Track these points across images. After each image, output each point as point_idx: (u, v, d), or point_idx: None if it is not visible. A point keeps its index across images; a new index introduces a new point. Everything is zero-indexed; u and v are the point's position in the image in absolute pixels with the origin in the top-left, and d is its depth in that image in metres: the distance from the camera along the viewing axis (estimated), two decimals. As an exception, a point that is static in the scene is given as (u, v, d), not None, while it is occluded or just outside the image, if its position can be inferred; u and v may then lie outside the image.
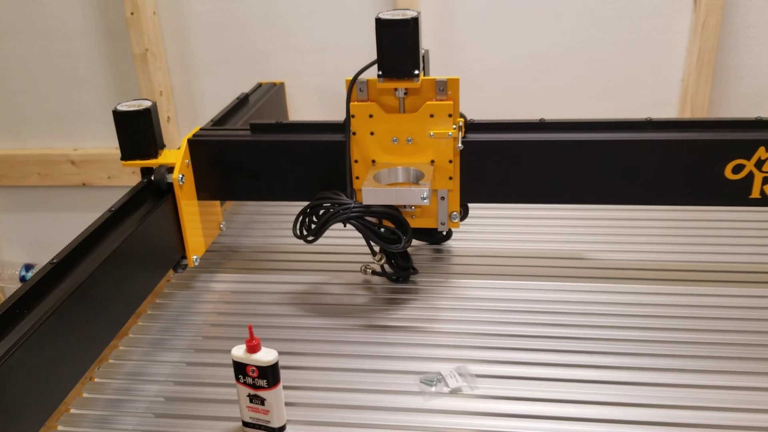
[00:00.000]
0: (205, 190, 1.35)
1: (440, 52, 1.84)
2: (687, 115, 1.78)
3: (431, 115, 1.20)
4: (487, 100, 1.86)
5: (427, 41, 1.83)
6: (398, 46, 1.14)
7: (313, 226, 1.24)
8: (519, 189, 1.27)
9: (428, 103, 1.20)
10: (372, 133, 1.23)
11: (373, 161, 1.25)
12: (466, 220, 1.36)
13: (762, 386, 1.02)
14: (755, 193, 1.19)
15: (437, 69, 1.85)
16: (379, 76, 1.18)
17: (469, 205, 1.33)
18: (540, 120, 1.25)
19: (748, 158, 1.17)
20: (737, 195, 1.20)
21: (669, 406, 1.00)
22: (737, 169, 1.18)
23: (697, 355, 1.10)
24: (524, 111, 1.84)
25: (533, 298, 1.26)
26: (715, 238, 1.41)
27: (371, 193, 1.16)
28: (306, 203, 1.24)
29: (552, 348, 1.13)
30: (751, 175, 1.18)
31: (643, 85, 1.83)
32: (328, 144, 1.27)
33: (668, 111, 1.84)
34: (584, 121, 1.24)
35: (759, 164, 1.17)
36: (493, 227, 1.50)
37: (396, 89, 1.20)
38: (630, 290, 1.26)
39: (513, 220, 1.52)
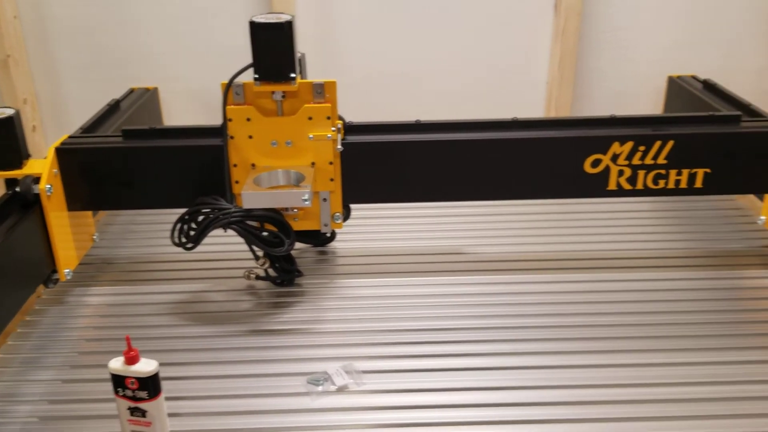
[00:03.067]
0: (76, 201, 1.29)
1: (321, 57, 1.86)
2: (552, 115, 1.89)
3: (310, 118, 1.21)
4: (368, 104, 1.90)
5: (307, 46, 1.83)
6: (273, 49, 1.15)
7: (192, 232, 1.22)
8: (399, 188, 1.31)
9: (306, 105, 1.21)
10: (250, 137, 1.23)
11: (253, 165, 1.25)
12: (349, 221, 1.38)
13: (642, 362, 1.11)
14: (612, 185, 1.29)
15: (319, 74, 1.85)
16: (255, 79, 1.18)
17: (352, 205, 1.36)
18: (416, 121, 1.30)
19: (604, 153, 1.26)
20: (596, 187, 1.29)
21: (550, 387, 1.06)
22: (595, 164, 1.27)
23: (571, 338, 1.17)
24: (404, 114, 1.88)
25: (415, 293, 1.30)
26: (587, 228, 1.51)
27: (251, 197, 1.16)
28: (182, 211, 1.22)
29: (433, 340, 1.17)
30: (607, 168, 1.28)
31: (511, 87, 1.92)
32: (205, 149, 1.25)
33: (535, 112, 1.94)
34: (456, 122, 1.29)
35: (614, 158, 1.26)
36: (375, 227, 1.53)
37: (273, 92, 1.20)
38: (507, 281, 1.33)
39: (394, 219, 1.56)
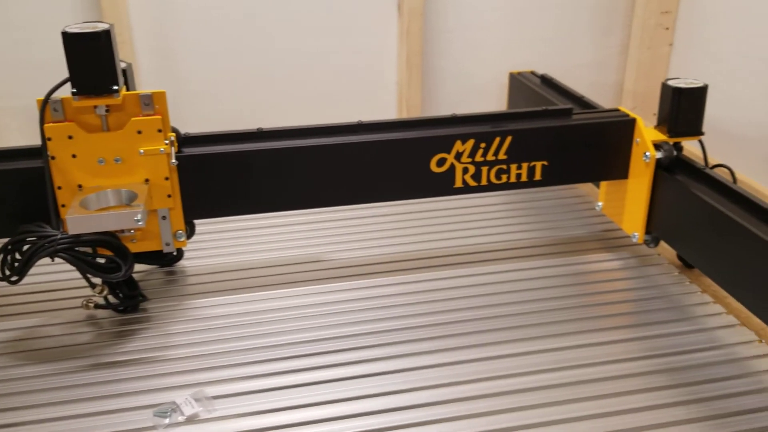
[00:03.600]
0: None
1: (160, 64, 1.76)
2: (404, 116, 1.91)
3: (139, 132, 1.14)
4: (214, 112, 1.83)
5: (144, 55, 1.74)
6: (91, 60, 1.06)
7: (16, 264, 1.11)
8: (244, 200, 1.26)
9: (134, 119, 1.13)
10: (74, 156, 1.13)
11: (80, 186, 1.15)
12: (197, 237, 1.32)
13: (495, 355, 1.12)
14: (458, 183, 1.31)
15: (157, 81, 1.77)
16: (73, 93, 1.09)
17: (198, 220, 1.29)
18: (258, 129, 1.25)
19: (448, 152, 1.28)
20: (443, 186, 1.30)
21: (407, 390, 1.05)
22: (440, 163, 1.28)
23: (424, 338, 1.17)
24: (251, 121, 1.83)
25: (269, 307, 1.25)
26: (430, 227, 1.53)
27: (78, 221, 1.07)
28: (5, 240, 1.11)
29: (288, 355, 1.13)
30: (452, 167, 1.29)
31: (363, 89, 1.91)
32: (24, 172, 1.14)
33: (388, 113, 1.95)
34: (299, 128, 1.26)
35: (458, 156, 1.28)
36: (224, 241, 1.47)
37: (96, 107, 1.11)
38: (360, 286, 1.31)
39: (244, 231, 1.50)
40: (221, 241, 1.46)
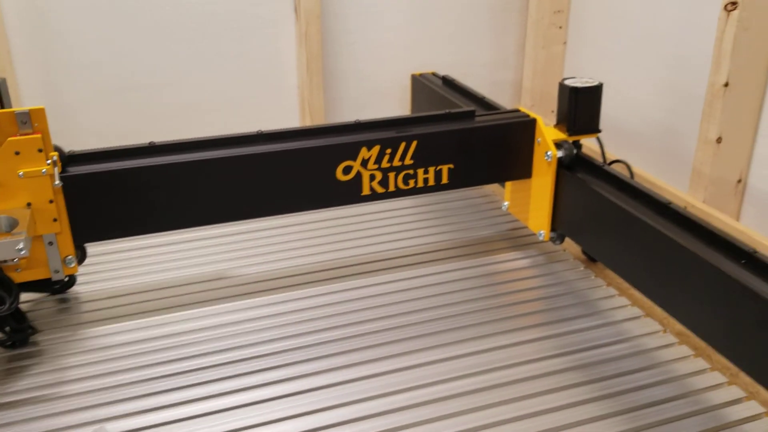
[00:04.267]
0: None
1: (39, 74, 1.64)
2: (307, 120, 1.86)
3: (17, 152, 1.05)
4: (103, 126, 1.72)
5: (22, 66, 1.62)
6: (-45, 76, 0.96)
7: None
8: (140, 220, 1.18)
9: (11, 139, 1.04)
10: (-57, 181, 1.03)
11: (-49, 214, 1.05)
12: (90, 260, 1.23)
13: (411, 364, 1.10)
14: (366, 190, 1.28)
15: (39, 95, 1.65)
16: (-63, 113, 0.98)
17: (91, 243, 1.21)
18: (149, 144, 1.18)
19: (354, 159, 1.25)
20: (351, 194, 1.27)
21: (341, 405, 1.02)
22: (347, 170, 1.25)
23: (362, 347, 1.15)
24: (145, 132, 1.74)
25: (172, 331, 1.19)
26: (344, 234, 1.50)
27: (-51, 254, 0.97)
28: None
29: (195, 382, 1.07)
30: (359, 174, 1.26)
31: (264, 94, 1.86)
32: None
33: (291, 117, 1.90)
34: (196, 141, 1.20)
35: (364, 163, 1.25)
36: (120, 263, 1.38)
37: (-35, 127, 1.01)
38: (271, 301, 1.27)
39: (141, 251, 1.42)
40: (116, 263, 1.38)
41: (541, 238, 1.39)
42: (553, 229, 1.37)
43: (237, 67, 1.80)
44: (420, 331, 1.19)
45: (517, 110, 1.39)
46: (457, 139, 1.30)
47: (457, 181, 1.33)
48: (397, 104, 1.97)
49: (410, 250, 1.44)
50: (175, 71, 1.75)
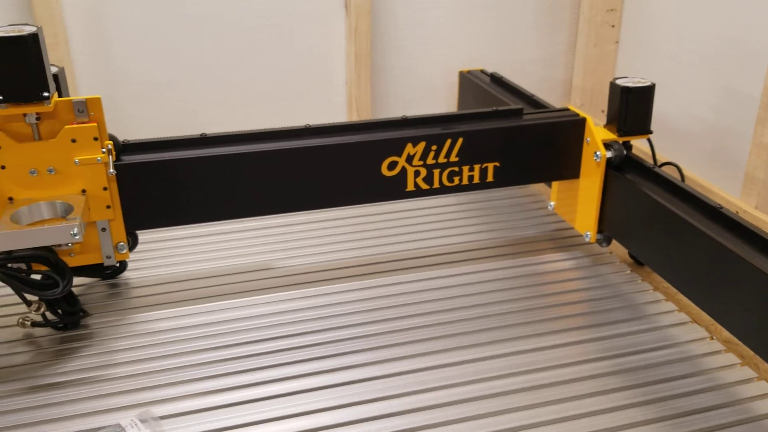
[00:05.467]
0: None
1: (95, 66, 1.69)
2: (354, 116, 1.87)
3: (73, 140, 1.08)
4: (154, 117, 1.76)
5: (80, 58, 1.66)
6: (18, 66, 1.00)
7: (-58, 284, 1.04)
8: (189, 209, 1.21)
9: (68, 127, 1.07)
10: (3, 167, 1.07)
11: (10, 199, 1.09)
12: (141, 247, 1.26)
13: (454, 361, 1.10)
14: (410, 186, 1.28)
15: (94, 85, 1.70)
16: (-1, 101, 1.02)
17: (143, 231, 1.24)
18: (201, 135, 1.20)
19: (399, 155, 1.25)
20: (395, 190, 1.28)
21: (383, 398, 1.03)
22: (392, 166, 1.26)
23: (402, 342, 1.15)
24: (191, 125, 1.77)
25: (218, 319, 1.21)
26: (388, 230, 1.50)
27: (8, 238, 1.00)
28: (-71, 258, 1.04)
29: (240, 369, 1.09)
30: (404, 170, 1.26)
31: (312, 89, 1.87)
32: (-52, 185, 1.07)
33: (338, 113, 1.92)
34: (245, 133, 1.22)
35: (409, 159, 1.26)
36: (170, 251, 1.41)
37: (25, 114, 1.05)
38: (316, 293, 1.28)
39: (190, 240, 1.45)
40: (166, 251, 1.41)
41: (587, 240, 1.37)
42: (599, 230, 1.35)
43: (286, 62, 1.82)
44: (460, 329, 1.18)
45: (567, 109, 1.37)
46: (504, 137, 1.29)
47: (503, 180, 1.32)
48: (444, 101, 1.96)
49: (453, 248, 1.43)
50: (225, 65, 1.78)
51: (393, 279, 1.32)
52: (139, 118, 1.74)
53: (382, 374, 1.08)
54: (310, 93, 1.88)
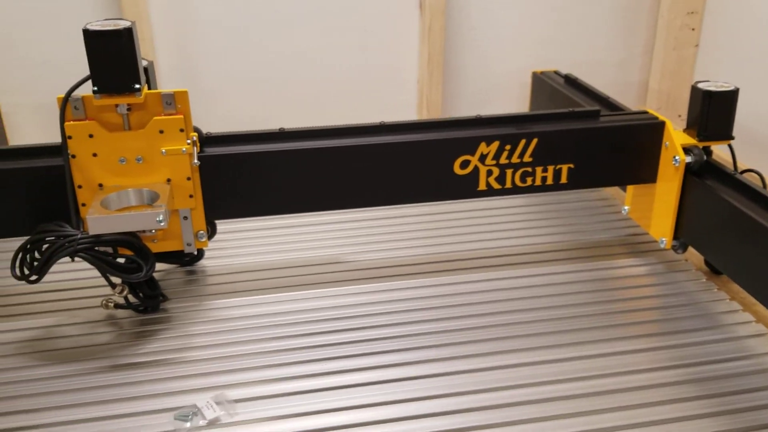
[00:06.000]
0: None
1: (178, 63, 1.75)
2: (424, 114, 1.88)
3: (161, 131, 1.13)
4: (231, 111, 1.81)
5: (162, 53, 1.73)
6: (112, 58, 1.05)
7: (36, 263, 1.10)
8: (266, 201, 1.24)
9: (156, 118, 1.12)
10: (95, 155, 1.12)
11: (101, 185, 1.14)
12: (218, 237, 1.31)
13: (519, 362, 1.10)
14: (482, 186, 1.28)
15: (176, 79, 1.76)
16: (94, 92, 1.07)
17: (220, 220, 1.28)
18: (279, 129, 1.23)
19: (473, 154, 1.25)
20: (467, 188, 1.28)
21: (429, 398, 1.03)
22: (464, 165, 1.26)
23: (451, 343, 1.15)
24: (269, 120, 1.82)
25: (290, 309, 1.24)
26: (458, 228, 1.50)
27: (99, 222, 1.06)
28: (25, 239, 1.10)
29: (310, 358, 1.11)
30: (476, 169, 1.27)
31: (382, 87, 1.89)
32: (44, 170, 1.13)
33: (408, 111, 1.93)
34: (322, 129, 1.24)
35: (482, 158, 1.26)
36: (246, 241, 1.45)
37: (117, 105, 1.10)
38: (382, 288, 1.30)
39: (265, 231, 1.49)
40: (242, 242, 1.45)
41: (662, 246, 1.34)
42: (675, 237, 1.32)
43: (359, 60, 1.85)
44: (528, 330, 1.18)
45: (645, 112, 1.35)
46: (580, 139, 1.28)
47: (577, 182, 1.31)
48: (515, 102, 1.95)
49: (522, 249, 1.43)
50: (300, 62, 1.82)
51: (461, 278, 1.33)
52: (216, 113, 1.80)
53: (446, 371, 1.08)
54: (380, 91, 1.90)
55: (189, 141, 1.14)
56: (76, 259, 1.10)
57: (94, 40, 1.03)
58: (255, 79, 1.81)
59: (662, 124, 1.30)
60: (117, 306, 1.21)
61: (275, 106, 1.84)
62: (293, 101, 1.85)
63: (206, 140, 1.20)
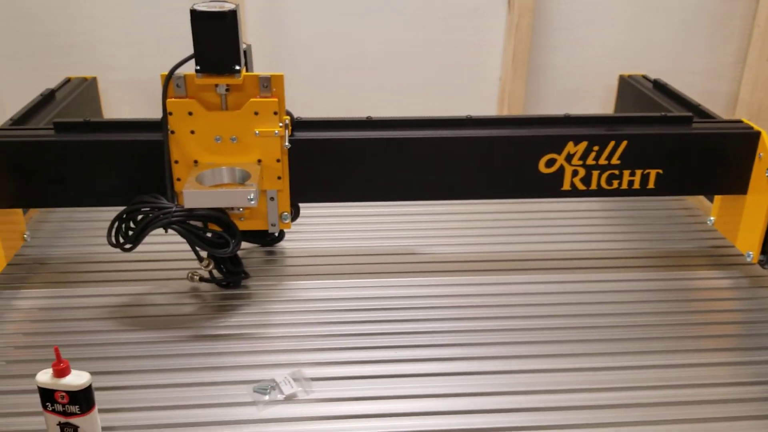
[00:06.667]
0: (4, 198, 1.21)
1: (267, 48, 1.80)
2: (505, 112, 1.88)
3: (256, 113, 1.16)
4: (317, 99, 1.85)
5: (254, 37, 1.78)
6: (216, 39, 1.09)
7: (130, 232, 1.15)
8: (349, 187, 1.27)
9: (252, 100, 1.16)
10: (193, 132, 1.16)
11: (196, 162, 1.18)
12: (298, 220, 1.34)
13: (591, 366, 1.09)
14: (566, 186, 1.27)
15: (264, 65, 1.81)
16: (197, 71, 1.12)
17: (301, 204, 1.31)
18: (367, 118, 1.25)
19: (559, 153, 1.24)
20: (551, 187, 1.27)
21: (504, 393, 1.04)
22: (550, 163, 1.25)
23: (525, 341, 1.15)
24: (351, 109, 1.84)
25: (367, 295, 1.26)
26: (536, 228, 1.49)
27: (194, 196, 1.10)
28: (121, 209, 1.15)
29: (385, 344, 1.13)
30: (562, 168, 1.26)
31: (464, 83, 1.89)
32: (144, 144, 1.18)
33: (488, 108, 1.92)
34: (409, 119, 1.26)
35: (569, 158, 1.25)
36: (326, 226, 1.48)
37: (217, 85, 1.14)
38: (459, 282, 1.30)
39: (345, 218, 1.51)
40: (320, 226, 1.48)
41: (749, 260, 1.30)
42: (763, 251, 1.28)
43: (442, 55, 1.85)
44: (604, 335, 1.16)
45: (740, 121, 1.31)
46: (671, 144, 1.26)
47: (664, 188, 1.29)
48: (599, 104, 1.92)
49: (600, 253, 1.41)
50: (384, 55, 1.84)
51: (535, 278, 1.32)
52: (301, 100, 1.83)
53: (525, 369, 1.08)
54: (462, 86, 1.90)
55: (281, 124, 1.17)
56: (167, 231, 1.14)
57: (200, 20, 1.07)
58: (339, 69, 1.84)
59: (757, 134, 1.27)
60: (202, 279, 1.25)
61: (357, 97, 1.86)
62: (375, 92, 1.87)
63: (297, 124, 1.23)
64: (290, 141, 1.19)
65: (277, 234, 1.38)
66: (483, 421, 0.98)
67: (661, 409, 1.01)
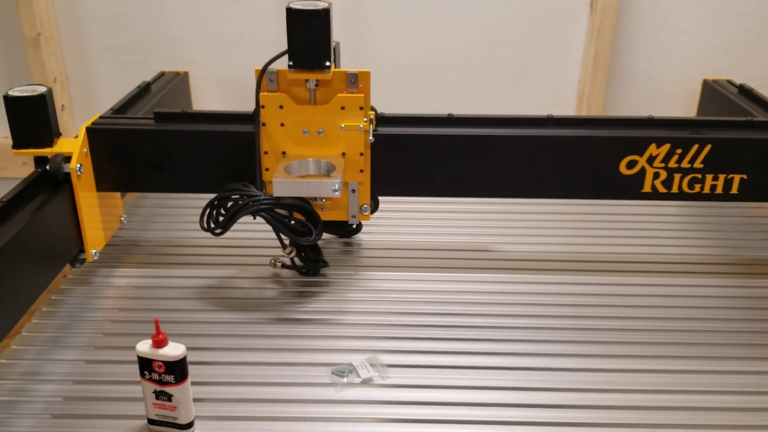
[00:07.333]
0: (105, 181, 1.29)
1: (349, 46, 1.85)
2: (583, 113, 1.87)
3: (342, 108, 1.20)
4: (395, 95, 1.88)
5: (337, 35, 1.83)
6: (309, 36, 1.14)
7: (221, 218, 1.21)
8: (428, 183, 1.30)
9: (339, 95, 1.20)
10: (282, 125, 1.22)
11: (284, 153, 1.24)
12: (376, 213, 1.37)
13: (659, 368, 1.09)
14: (647, 188, 1.27)
15: (346, 63, 1.86)
16: (289, 66, 1.17)
17: (380, 198, 1.35)
18: (448, 115, 1.28)
19: (641, 154, 1.24)
20: (631, 189, 1.27)
21: (572, 390, 1.04)
22: (631, 165, 1.25)
23: (601, 341, 1.15)
24: (430, 107, 1.87)
25: (441, 289, 1.29)
26: (614, 230, 1.49)
27: (282, 185, 1.15)
28: (212, 196, 1.21)
29: (460, 337, 1.16)
30: (643, 170, 1.25)
31: (542, 84, 1.90)
32: (237, 135, 1.24)
33: (565, 110, 1.92)
34: (490, 117, 1.28)
35: (650, 160, 1.24)
36: (402, 220, 1.52)
37: (307, 80, 1.19)
38: (533, 280, 1.31)
39: (422, 213, 1.54)
40: (398, 220, 1.52)
41: (834, 270, 1.27)
42: None
43: (521, 55, 1.86)
44: (677, 339, 1.15)
45: (832, 128, 1.28)
46: (757, 149, 1.23)
47: (748, 194, 1.26)
48: (681, 109, 1.89)
49: (677, 258, 1.39)
50: (463, 54, 1.86)
51: (608, 279, 1.31)
52: (383, 97, 1.87)
53: (600, 368, 1.09)
54: (540, 86, 1.90)
55: (366, 119, 1.21)
56: (248, 218, 1.20)
57: (295, 17, 1.12)
58: (418, 68, 1.87)
59: None
60: (284, 266, 1.31)
61: (437, 95, 1.89)
62: (454, 91, 1.89)
63: (380, 120, 1.27)
64: (374, 135, 1.23)
65: (355, 226, 1.42)
66: (555, 416, 1.00)
67: (727, 414, 1.00)
